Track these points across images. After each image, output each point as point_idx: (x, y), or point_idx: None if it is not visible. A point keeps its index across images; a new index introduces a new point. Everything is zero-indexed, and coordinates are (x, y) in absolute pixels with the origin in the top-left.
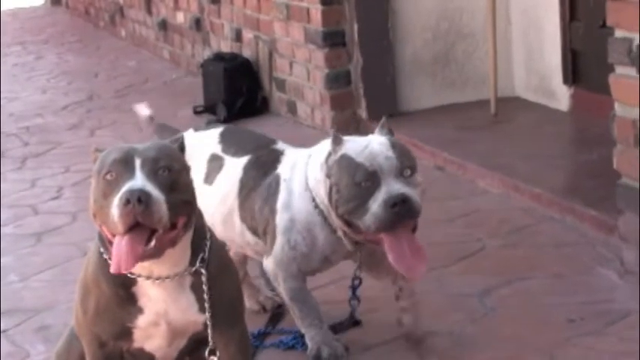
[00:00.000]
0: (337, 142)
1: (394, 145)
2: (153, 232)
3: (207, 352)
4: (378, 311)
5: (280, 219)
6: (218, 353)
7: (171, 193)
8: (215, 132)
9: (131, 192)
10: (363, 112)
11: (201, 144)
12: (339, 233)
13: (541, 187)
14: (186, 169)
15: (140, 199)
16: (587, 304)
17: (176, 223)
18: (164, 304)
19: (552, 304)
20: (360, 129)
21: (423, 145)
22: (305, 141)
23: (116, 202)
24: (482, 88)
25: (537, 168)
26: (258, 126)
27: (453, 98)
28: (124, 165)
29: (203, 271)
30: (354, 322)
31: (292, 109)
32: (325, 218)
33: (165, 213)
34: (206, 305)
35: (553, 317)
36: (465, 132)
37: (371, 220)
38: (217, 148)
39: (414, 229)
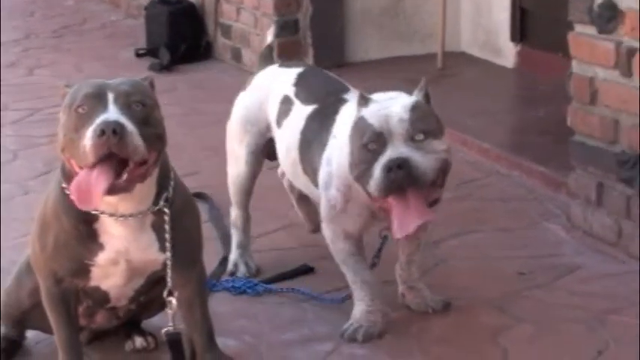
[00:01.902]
0: (362, 103)
1: (414, 108)
2: (123, 167)
3: (165, 293)
4: (329, 258)
5: (321, 174)
6: (176, 294)
7: (144, 127)
8: (294, 72)
9: (106, 123)
10: (310, 61)
11: (279, 82)
12: None
13: (489, 142)
14: (157, 105)
15: (115, 130)
16: (535, 258)
17: (147, 158)
18: (125, 242)
19: (501, 257)
20: None
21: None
22: None
23: (90, 133)
24: (429, 41)
25: (485, 123)
26: (201, 72)
27: (400, 51)
28: (97, 99)
29: (167, 210)
30: (306, 268)
31: (237, 55)
32: None
33: (140, 144)
34: (167, 245)
35: (502, 270)
36: (412, 84)
37: (372, 185)
38: (291, 90)
39: (433, 202)
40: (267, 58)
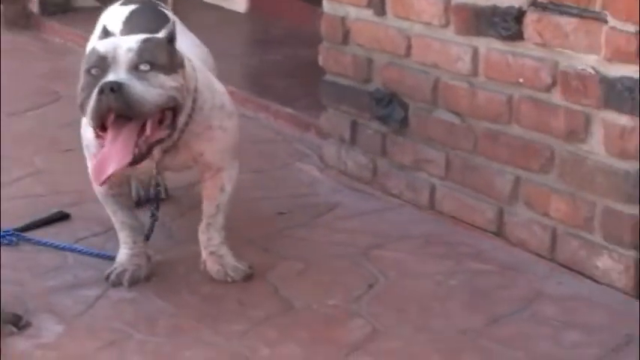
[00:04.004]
0: (101, 36)
1: (147, 40)
2: None
3: None
4: (83, 203)
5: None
6: None
7: None
8: (128, 9)
9: None
10: (34, 7)
11: (113, 20)
12: None
13: (233, 85)
14: None
15: None
16: (292, 198)
17: None
18: None
19: (258, 198)
20: (32, 24)
21: None
22: None
23: None
24: None
25: (226, 66)
26: None
27: None
28: None
29: None
30: (62, 215)
31: None
32: None
33: None
34: None
35: (261, 210)
36: None
37: (88, 112)
38: (118, 30)
39: (157, 142)
40: None
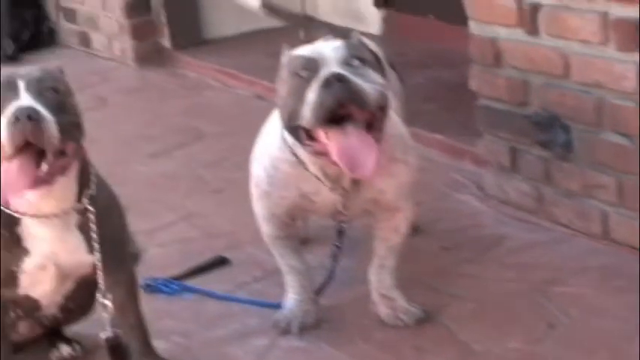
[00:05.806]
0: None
1: (349, 41)
2: (42, 158)
3: (99, 296)
4: (241, 246)
5: (254, 151)
6: (110, 296)
7: (59, 114)
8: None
9: (20, 110)
10: (166, 42)
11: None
12: (306, 163)
13: None
14: (71, 92)
15: (30, 116)
16: (456, 232)
17: (65, 149)
18: (51, 245)
19: (421, 232)
20: (164, 59)
21: (239, 73)
22: (103, 73)
23: (4, 122)
24: None
25: None
26: (47, 59)
27: (258, 24)
28: (8, 87)
29: (90, 207)
30: (222, 260)
31: (85, 40)
32: (295, 153)
33: (56, 132)
34: (95, 244)
35: (425, 246)
36: (276, 58)
37: (308, 111)
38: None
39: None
40: None
